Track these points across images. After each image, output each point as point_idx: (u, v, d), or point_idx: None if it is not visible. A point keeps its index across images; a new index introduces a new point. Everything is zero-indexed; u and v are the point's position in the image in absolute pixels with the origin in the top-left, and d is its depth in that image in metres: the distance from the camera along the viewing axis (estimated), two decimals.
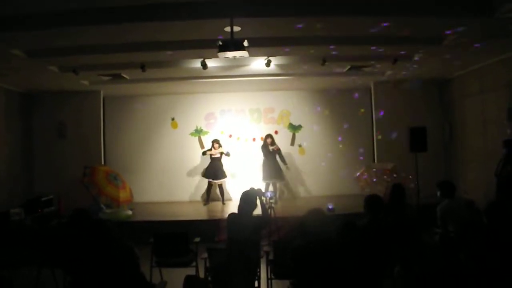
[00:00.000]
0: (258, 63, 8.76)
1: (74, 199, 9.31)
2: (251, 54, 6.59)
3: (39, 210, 9.01)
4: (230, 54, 5.85)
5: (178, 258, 5.89)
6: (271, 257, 5.45)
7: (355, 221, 4.41)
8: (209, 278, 5.00)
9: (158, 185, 12.04)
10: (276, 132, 11.95)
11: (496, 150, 8.06)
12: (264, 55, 8.18)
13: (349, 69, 9.53)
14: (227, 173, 11.24)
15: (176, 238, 5.97)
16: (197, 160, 11.91)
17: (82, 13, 5.64)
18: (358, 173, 9.63)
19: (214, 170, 10.94)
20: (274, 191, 10.64)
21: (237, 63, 8.87)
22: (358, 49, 7.76)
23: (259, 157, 11.26)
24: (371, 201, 4.90)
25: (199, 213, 10.24)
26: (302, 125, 12.22)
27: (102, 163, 11.42)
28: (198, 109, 12.25)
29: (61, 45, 7.02)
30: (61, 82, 9.81)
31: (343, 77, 10.33)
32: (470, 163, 9.91)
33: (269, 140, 11.08)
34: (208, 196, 11.13)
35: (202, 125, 12.25)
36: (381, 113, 11.24)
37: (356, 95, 11.69)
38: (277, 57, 8.46)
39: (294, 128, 12.24)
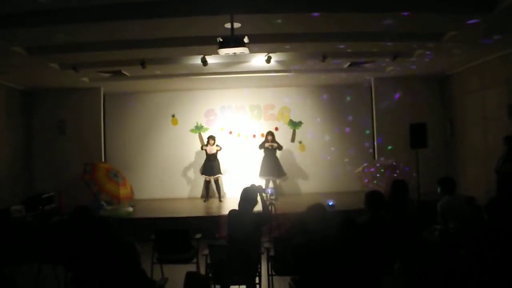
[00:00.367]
0: (258, 60, 8.76)
1: (74, 196, 9.33)
2: (251, 51, 6.58)
3: (40, 207, 9.03)
4: (230, 51, 5.84)
5: (179, 254, 5.90)
6: (271, 253, 5.46)
7: (354, 217, 4.42)
8: (210, 275, 5.01)
9: (158, 182, 12.05)
10: (276, 129, 11.95)
11: (497, 146, 8.06)
12: (265, 52, 8.17)
13: (350, 65, 9.53)
14: (225, 169, 11.26)
15: (177, 234, 5.97)
16: (197, 157, 11.91)
17: (82, 10, 5.64)
18: (358, 170, 9.61)
19: (210, 166, 10.97)
20: (275, 188, 10.65)
21: (237, 60, 8.87)
22: (359, 45, 7.76)
23: (259, 153, 11.26)
24: (372, 197, 4.89)
25: (199, 209, 10.26)
26: (302, 122, 12.21)
27: (103, 160, 11.42)
28: (198, 106, 12.24)
29: (62, 42, 7.01)
30: (61, 79, 9.81)
31: (344, 73, 10.32)
32: (470, 159, 9.92)
33: (269, 138, 11.07)
34: (207, 193, 11.16)
35: (202, 121, 12.24)
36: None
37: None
38: (277, 54, 8.46)
39: (295, 125, 12.23)
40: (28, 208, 8.63)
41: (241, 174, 11.68)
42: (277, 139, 11.17)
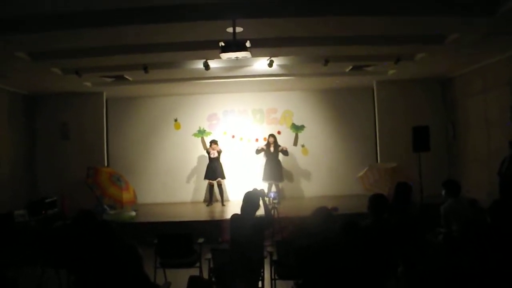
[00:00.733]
0: (260, 64, 8.77)
1: (77, 200, 9.36)
2: (253, 55, 6.59)
3: (43, 212, 9.04)
4: (233, 55, 5.86)
5: (182, 259, 5.89)
6: (274, 257, 5.45)
7: (357, 221, 4.41)
8: (213, 279, 5.00)
9: (161, 186, 12.06)
10: (279, 133, 11.95)
11: (499, 149, 8.04)
12: (267, 56, 8.18)
13: (352, 69, 9.53)
14: (228, 173, 11.28)
15: (179, 239, 5.97)
16: (200, 161, 11.92)
17: (84, 15, 5.66)
18: (360, 173, 9.60)
19: (212, 170, 10.99)
20: (277, 192, 10.64)
21: (240, 64, 8.88)
22: (361, 49, 7.76)
23: (262, 157, 11.28)
24: (376, 201, 4.88)
25: (202, 214, 10.26)
26: (305, 125, 12.21)
27: (105, 164, 11.43)
28: (201, 110, 12.26)
29: (64, 47, 7.05)
30: (64, 84, 9.83)
31: (346, 77, 10.33)
32: (472, 162, 9.90)
33: (271, 140, 11.09)
34: (211, 197, 11.17)
35: (205, 125, 12.25)
36: None
37: None
38: (280, 58, 8.47)
39: (297, 128, 12.23)
40: (31, 212, 8.64)
41: (243, 178, 11.67)
42: (279, 143, 11.20)
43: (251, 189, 5.14)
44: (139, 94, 11.91)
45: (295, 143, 12.20)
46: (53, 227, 6.60)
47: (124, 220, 8.93)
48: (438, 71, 10.09)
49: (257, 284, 4.91)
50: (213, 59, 8.08)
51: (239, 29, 6.01)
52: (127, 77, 9.56)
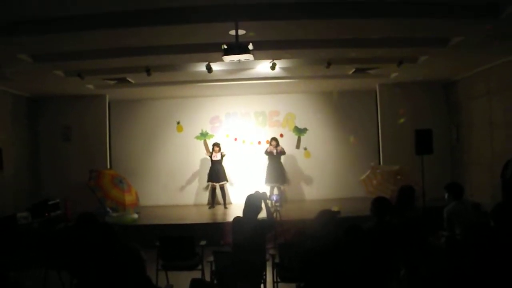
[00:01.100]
0: (263, 66, 8.77)
1: (80, 203, 9.35)
2: (256, 57, 6.59)
3: (46, 214, 9.04)
4: (235, 58, 5.85)
5: (184, 261, 5.90)
6: (276, 260, 5.44)
7: (360, 224, 4.40)
8: (215, 282, 5.00)
9: (163, 189, 12.06)
10: (281, 135, 11.95)
11: (503, 152, 8.01)
12: (269, 58, 8.18)
13: (354, 71, 9.52)
14: (230, 176, 11.28)
15: (181, 241, 5.98)
16: (202, 164, 11.93)
17: (87, 17, 5.67)
18: (363, 177, 9.58)
19: (215, 173, 10.99)
20: (279, 194, 10.63)
21: (242, 67, 8.88)
22: (363, 51, 7.75)
23: (264, 160, 11.27)
24: (378, 203, 4.88)
25: (204, 216, 10.27)
26: (307, 128, 12.20)
27: (108, 166, 11.45)
28: (203, 113, 12.26)
29: (67, 50, 7.06)
30: (66, 87, 9.86)
31: (348, 80, 10.32)
32: (476, 165, 9.86)
33: (273, 143, 11.10)
34: (213, 199, 11.17)
35: (207, 128, 12.26)
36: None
37: None
38: (282, 60, 8.47)
39: (300, 131, 12.22)
40: (34, 215, 8.64)
41: (246, 181, 11.67)
42: (282, 146, 11.21)
43: (253, 192, 5.14)
44: (141, 97, 11.93)
45: (298, 146, 12.20)
46: (55, 229, 6.62)
47: (126, 223, 8.93)
48: (441, 74, 10.07)
49: (259, 287, 4.90)
50: (215, 61, 8.09)
51: (241, 32, 6.00)
52: (129, 79, 9.57)
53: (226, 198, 11.28)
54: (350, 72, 9.62)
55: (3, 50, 6.57)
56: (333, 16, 5.83)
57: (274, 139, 11.22)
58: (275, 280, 5.39)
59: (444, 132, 11.02)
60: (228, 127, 12.28)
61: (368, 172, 9.50)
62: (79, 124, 11.35)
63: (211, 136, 12.18)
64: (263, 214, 5.08)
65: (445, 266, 3.73)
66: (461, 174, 10.59)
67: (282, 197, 10.74)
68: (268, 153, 11.15)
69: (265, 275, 5.05)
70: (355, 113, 12.12)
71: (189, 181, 12.16)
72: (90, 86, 10.08)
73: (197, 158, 12.10)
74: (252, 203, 4.99)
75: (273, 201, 8.31)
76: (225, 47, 5.73)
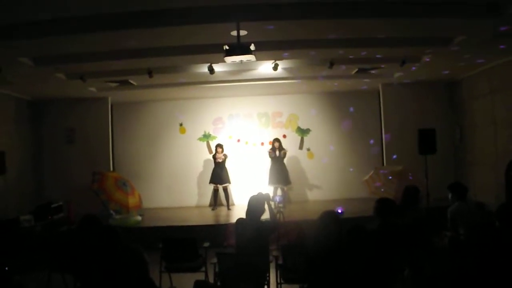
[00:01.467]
0: (265, 67, 8.76)
1: (83, 205, 9.34)
2: (258, 58, 6.58)
3: (49, 217, 9.05)
4: (237, 58, 5.84)
5: (187, 263, 5.89)
6: (280, 261, 5.43)
7: (363, 224, 4.39)
8: (219, 283, 4.99)
9: (166, 191, 12.06)
10: (284, 136, 11.93)
11: (507, 151, 7.98)
12: (271, 59, 8.17)
13: (357, 71, 9.51)
14: (234, 177, 11.27)
15: (185, 243, 5.97)
16: (205, 166, 11.92)
17: (88, 19, 5.66)
18: (366, 177, 9.55)
19: (218, 175, 11.00)
20: (283, 195, 10.62)
21: (244, 67, 8.87)
22: (366, 51, 7.74)
23: (267, 161, 11.26)
24: (382, 204, 4.86)
25: (207, 218, 10.25)
26: (310, 129, 12.18)
27: (111, 169, 11.47)
28: (206, 114, 12.26)
29: (68, 52, 7.06)
30: (68, 89, 9.86)
31: (352, 80, 10.30)
32: (479, 165, 9.83)
33: (276, 144, 11.08)
34: (215, 201, 11.17)
35: (210, 130, 12.25)
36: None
37: None
38: (284, 61, 8.45)
39: (303, 132, 12.20)
40: (37, 217, 8.65)
41: (249, 182, 11.65)
42: (285, 146, 11.19)
43: (256, 193, 5.13)
44: (144, 99, 11.94)
45: (301, 147, 12.18)
46: (59, 232, 6.62)
47: (129, 225, 8.93)
48: (444, 73, 10.04)
49: None
50: (217, 63, 8.09)
51: (243, 32, 6.00)
52: (131, 81, 9.58)
53: (229, 199, 11.26)
54: (353, 72, 9.60)
55: (4, 53, 6.57)
56: (335, 16, 5.82)
57: (277, 140, 11.20)
58: (278, 281, 5.37)
59: (448, 132, 10.98)
60: (231, 129, 12.27)
61: (371, 173, 9.48)
62: (82, 126, 11.35)
63: (214, 137, 12.17)
64: (266, 215, 5.07)
65: (449, 266, 3.72)
66: (464, 174, 10.55)
67: (285, 198, 10.73)
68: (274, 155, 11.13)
69: (269, 276, 5.04)
70: (358, 113, 12.09)
71: (192, 183, 12.15)
72: (92, 89, 10.09)
73: (200, 159, 12.10)
74: (255, 205, 4.98)
75: (276, 202, 8.30)
76: (227, 48, 5.73)
